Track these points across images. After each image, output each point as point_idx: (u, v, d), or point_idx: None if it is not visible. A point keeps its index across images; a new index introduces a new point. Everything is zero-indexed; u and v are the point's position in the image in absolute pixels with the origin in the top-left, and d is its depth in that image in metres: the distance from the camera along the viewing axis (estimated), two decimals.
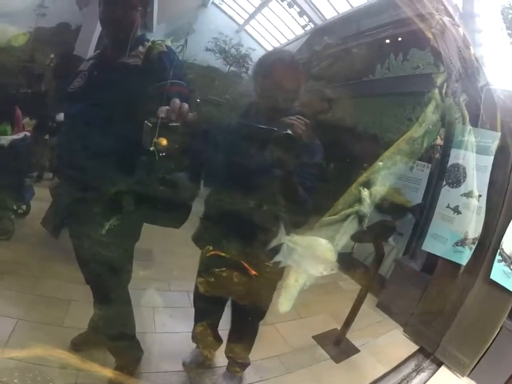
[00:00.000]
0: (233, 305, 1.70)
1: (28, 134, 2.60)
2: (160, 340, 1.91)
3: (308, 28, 5.16)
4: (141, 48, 1.40)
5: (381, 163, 1.58)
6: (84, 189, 1.42)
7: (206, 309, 1.79)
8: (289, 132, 1.18)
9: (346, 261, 3.05)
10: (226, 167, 1.45)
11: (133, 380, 1.65)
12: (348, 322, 2.15)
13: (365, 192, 1.46)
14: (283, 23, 5.35)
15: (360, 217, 1.45)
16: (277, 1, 5.30)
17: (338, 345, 2.11)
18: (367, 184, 1.54)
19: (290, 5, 5.27)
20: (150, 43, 1.41)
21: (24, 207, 2.67)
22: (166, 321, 2.03)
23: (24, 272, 2.26)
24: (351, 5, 4.98)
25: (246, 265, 1.55)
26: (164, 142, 1.18)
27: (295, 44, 5.33)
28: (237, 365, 1.78)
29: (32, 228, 2.61)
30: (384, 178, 1.57)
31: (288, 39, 5.43)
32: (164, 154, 1.17)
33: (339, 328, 2.17)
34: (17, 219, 2.61)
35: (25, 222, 2.66)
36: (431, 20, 2.18)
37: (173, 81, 1.35)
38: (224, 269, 1.60)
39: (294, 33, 5.40)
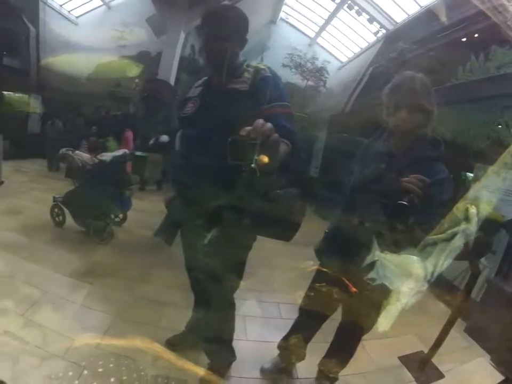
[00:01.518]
0: (340, 323, 1.70)
1: (127, 151, 2.90)
2: (249, 347, 1.98)
3: (379, 34, 5.03)
4: (246, 74, 1.50)
5: (486, 179, 1.49)
6: (191, 203, 1.57)
7: (305, 322, 1.81)
8: (404, 202, 1.21)
9: (435, 281, 2.85)
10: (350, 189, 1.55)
11: (222, 381, 1.72)
12: (435, 346, 2.01)
13: (473, 210, 1.38)
14: (354, 31, 5.28)
15: (467, 236, 1.38)
16: (345, 11, 5.26)
17: (423, 369, 2.01)
18: (474, 201, 1.46)
19: (358, 13, 5.18)
20: (253, 69, 1.50)
21: (121, 215, 2.97)
22: (256, 330, 2.12)
23: (122, 275, 2.50)
24: (419, 5, 4.73)
25: (346, 281, 1.56)
26: (265, 159, 1.24)
27: (370, 52, 5.21)
28: (327, 379, 1.77)
29: (129, 235, 2.92)
30: (490, 194, 1.47)
31: (361, 48, 5.34)
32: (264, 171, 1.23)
33: (425, 351, 2.05)
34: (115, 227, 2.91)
35: (122, 229, 2.96)
36: (505, 12, 1.99)
37: (281, 104, 1.44)
38: (324, 284, 1.64)
39: (366, 41, 5.29)
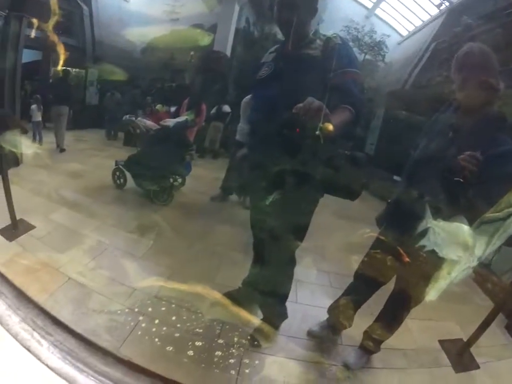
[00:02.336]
0: (392, 291, 1.72)
1: (189, 118, 2.95)
2: (298, 310, 2.04)
3: (442, 7, 4.67)
4: (318, 41, 1.57)
5: None
6: (259, 164, 1.64)
7: (358, 287, 1.84)
8: (459, 179, 1.25)
9: (482, 273, 2.75)
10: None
11: (273, 334, 1.83)
12: (474, 337, 2.00)
13: None
14: (415, 3, 4.93)
15: None
16: None
17: (460, 356, 2.01)
18: None
19: None
20: (325, 36, 1.57)
21: (180, 180, 3.04)
22: (307, 295, 2.19)
23: (182, 232, 2.67)
24: None
25: (401, 251, 1.57)
26: (330, 127, 1.28)
27: (432, 26, 4.87)
28: (372, 345, 1.79)
29: (187, 198, 3.00)
30: None
31: (423, 21, 4.99)
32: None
33: (465, 339, 2.04)
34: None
35: (181, 193, 3.05)
36: None
37: (350, 70, 1.51)
38: (380, 251, 1.67)
39: (428, 14, 4.93)
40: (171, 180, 2.99)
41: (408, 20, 5.23)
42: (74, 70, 4.87)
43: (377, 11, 5.16)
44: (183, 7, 4.49)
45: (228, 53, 4.33)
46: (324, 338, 1.91)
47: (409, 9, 5.24)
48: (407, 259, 1.57)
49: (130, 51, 4.53)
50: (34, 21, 2.73)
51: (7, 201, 2.79)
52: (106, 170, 3.37)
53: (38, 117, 4.17)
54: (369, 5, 5.08)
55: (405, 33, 5.11)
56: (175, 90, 4.14)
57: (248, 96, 2.71)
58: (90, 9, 5.01)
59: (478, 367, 1.95)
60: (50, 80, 4.95)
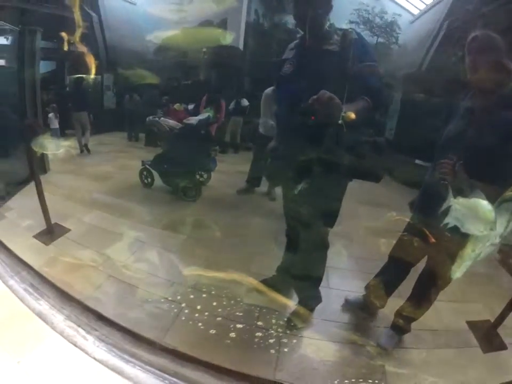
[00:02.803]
0: (422, 271, 1.78)
1: (211, 115, 3.02)
2: (331, 294, 2.13)
3: None
4: (336, 37, 1.63)
5: None
6: (288, 155, 1.75)
7: (391, 269, 1.91)
8: None
9: (507, 254, 2.75)
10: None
11: (309, 316, 1.92)
12: (501, 317, 2.03)
13: None
14: None
15: None
16: None
17: (488, 337, 2.04)
18: None
19: None
20: (341, 31, 1.63)
21: (205, 175, 3.12)
22: (337, 280, 2.26)
23: (213, 226, 2.73)
24: None
25: (427, 232, 1.64)
26: (352, 115, 1.38)
27: (444, 3, 4.77)
28: (403, 325, 1.85)
29: (214, 192, 3.08)
30: None
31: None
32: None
33: (492, 320, 2.07)
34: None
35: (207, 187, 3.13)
36: None
37: (366, 64, 1.59)
38: (406, 233, 1.75)
39: None
40: (197, 176, 3.07)
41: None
42: (91, 76, 4.99)
43: None
44: (190, 5, 4.52)
45: (241, 46, 4.36)
46: (357, 309, 2.02)
47: None
48: (432, 240, 1.63)
49: (143, 52, 4.60)
50: (64, 34, 2.81)
51: (42, 206, 2.92)
52: (132, 170, 3.49)
53: (55, 124, 4.31)
54: None
55: (416, 12, 5.02)
56: (190, 87, 4.19)
57: (269, 89, 2.76)
58: (99, 16, 5.09)
59: (505, 347, 1.98)
60: (67, 89, 5.10)
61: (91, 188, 3.39)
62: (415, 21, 5.06)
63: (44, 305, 2.28)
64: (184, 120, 3.07)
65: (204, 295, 2.05)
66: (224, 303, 1.99)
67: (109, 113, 5.11)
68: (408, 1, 5.09)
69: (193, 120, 3.03)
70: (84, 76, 4.88)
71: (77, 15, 2.69)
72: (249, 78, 4.33)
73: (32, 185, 3.67)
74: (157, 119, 3.11)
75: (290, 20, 4.78)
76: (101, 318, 2.10)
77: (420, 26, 5.01)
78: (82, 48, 2.62)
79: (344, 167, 1.66)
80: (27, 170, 4.05)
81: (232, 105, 3.71)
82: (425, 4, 5.09)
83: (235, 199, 2.95)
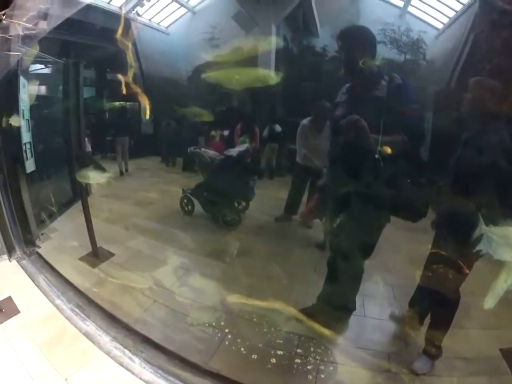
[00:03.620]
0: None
1: (249, 146, 3.19)
2: (367, 323, 2.24)
3: None
4: (383, 82, 1.82)
5: None
6: (330, 189, 2.00)
7: (420, 298, 2.04)
8: None
9: None
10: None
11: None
12: None
13: None
14: None
15: None
16: None
17: None
18: None
19: None
20: (388, 77, 1.83)
21: (244, 203, 3.27)
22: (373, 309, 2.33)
23: (252, 254, 2.90)
24: None
25: (461, 263, 1.71)
26: (389, 150, 1.52)
27: (466, 16, 4.75)
28: (433, 349, 1.92)
29: (253, 220, 3.22)
30: None
31: (456, 11, 4.88)
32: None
33: None
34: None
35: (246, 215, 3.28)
36: None
37: (409, 107, 1.78)
38: (442, 265, 1.81)
39: (460, 3, 4.81)
40: (236, 205, 3.24)
41: (441, 12, 5.14)
42: (128, 103, 5.29)
43: (409, 8, 5.11)
44: (222, 33, 4.73)
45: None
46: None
47: (439, 2, 5.15)
48: (466, 270, 1.71)
49: (177, 80, 4.83)
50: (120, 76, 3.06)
51: (88, 230, 3.14)
52: (171, 197, 3.69)
53: (89, 148, 4.59)
54: (400, 4, 5.05)
55: (440, 26, 5.02)
56: (225, 113, 4.38)
57: (305, 120, 2.89)
58: (135, 46, 5.39)
59: None
60: (107, 114, 5.43)
61: (133, 212, 3.61)
62: (440, 35, 5.07)
63: (90, 326, 2.44)
64: (225, 152, 3.26)
65: (246, 323, 2.19)
66: (265, 330, 2.13)
67: (146, 139, 5.37)
68: (431, 16, 5.11)
69: (234, 152, 3.22)
70: (126, 103, 5.21)
71: (129, 57, 2.93)
72: (283, 103, 4.46)
73: (74, 207, 3.95)
74: (198, 150, 3.31)
75: (317, 43, 4.90)
76: (146, 340, 2.26)
77: (445, 41, 5.00)
78: (136, 90, 2.82)
79: (382, 202, 1.80)
80: (69, 194, 4.36)
81: (265, 132, 3.84)
82: (448, 17, 5.10)
83: (273, 227, 3.08)
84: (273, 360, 1.95)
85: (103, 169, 3.47)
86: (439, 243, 1.79)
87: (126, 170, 4.78)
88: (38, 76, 4.28)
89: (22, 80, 3.68)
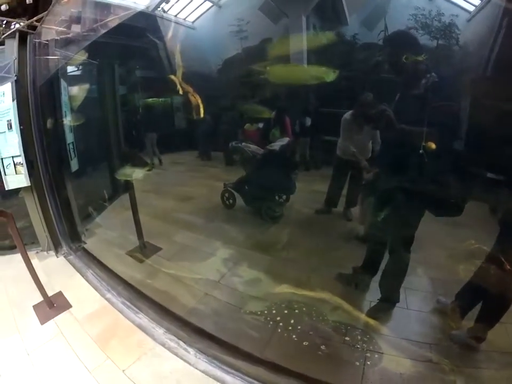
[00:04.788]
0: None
1: (289, 139, 3.24)
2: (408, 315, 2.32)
3: None
4: (424, 81, 2.00)
5: None
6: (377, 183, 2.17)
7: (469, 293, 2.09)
8: None
9: None
10: None
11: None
12: None
13: None
14: None
15: None
16: None
17: None
18: None
19: None
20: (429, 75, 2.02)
21: (284, 197, 3.35)
22: (415, 302, 2.40)
23: (295, 245, 3.00)
24: None
25: (503, 260, 1.78)
26: (433, 145, 1.60)
27: None
28: (474, 342, 2.02)
29: (294, 213, 3.30)
30: None
31: None
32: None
33: None
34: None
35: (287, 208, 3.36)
36: None
37: (445, 103, 1.96)
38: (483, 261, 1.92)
39: None
40: (277, 198, 3.32)
41: None
42: (161, 99, 5.40)
43: None
44: (249, 24, 4.73)
45: (305, 63, 4.47)
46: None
47: None
48: (509, 267, 1.77)
49: (207, 73, 4.89)
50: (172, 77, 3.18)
51: (136, 225, 3.27)
52: (211, 190, 3.80)
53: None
54: None
55: (471, 8, 4.85)
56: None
57: (347, 114, 2.91)
58: (163, 42, 5.47)
59: None
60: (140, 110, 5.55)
61: (174, 207, 3.74)
62: (472, 18, 4.91)
63: (143, 319, 2.58)
64: (267, 147, 3.32)
65: (296, 311, 2.32)
66: (314, 319, 2.25)
67: (180, 133, 5.47)
68: None
69: (276, 146, 3.28)
70: (157, 99, 5.33)
71: (178, 58, 3.03)
72: (315, 95, 4.45)
73: (115, 203, 4.11)
74: (239, 144, 3.39)
75: (347, 32, 4.85)
76: (200, 331, 2.39)
77: (478, 25, 4.86)
78: (187, 88, 2.90)
79: (425, 196, 1.92)
80: (110, 190, 4.54)
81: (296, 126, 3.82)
82: None
83: (315, 219, 3.15)
84: (323, 348, 2.05)
85: (144, 164, 3.59)
86: (503, 241, 1.83)
87: (159, 160, 4.94)
88: (76, 77, 4.44)
89: (63, 83, 3.85)
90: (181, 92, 2.93)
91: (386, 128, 2.04)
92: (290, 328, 2.23)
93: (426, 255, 2.54)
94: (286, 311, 2.34)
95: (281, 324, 2.27)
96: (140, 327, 2.49)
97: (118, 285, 2.93)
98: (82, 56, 3.71)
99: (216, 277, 2.71)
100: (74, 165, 3.90)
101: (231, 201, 3.52)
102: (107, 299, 2.80)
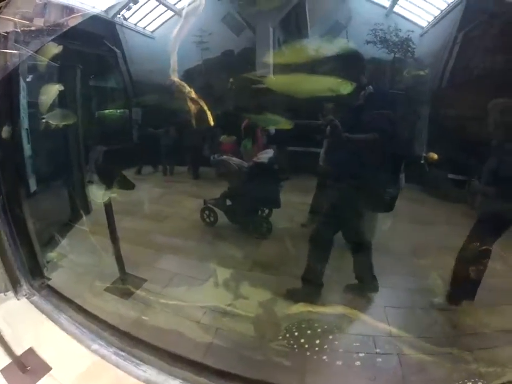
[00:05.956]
0: None
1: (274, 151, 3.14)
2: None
3: None
4: (362, 92, 2.36)
5: None
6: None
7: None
8: None
9: None
10: None
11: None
12: None
13: None
14: None
15: None
16: None
17: None
18: None
19: None
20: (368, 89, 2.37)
21: (267, 210, 3.22)
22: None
23: (289, 266, 2.90)
24: None
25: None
26: (435, 156, 1.70)
27: (453, 14, 4.95)
28: None
29: (281, 226, 3.17)
30: None
31: (440, 9, 5.07)
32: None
33: None
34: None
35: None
36: None
37: (379, 112, 2.36)
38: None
39: (445, 2, 5.01)
40: (260, 212, 3.18)
41: (425, 11, 5.32)
42: (118, 111, 5.05)
43: (396, 8, 5.25)
44: (211, 36, 4.63)
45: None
46: None
47: (426, 1, 5.32)
48: None
49: (168, 85, 4.68)
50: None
51: (116, 254, 2.85)
52: (184, 207, 3.54)
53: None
54: (387, 4, 5.17)
55: (424, 24, 5.19)
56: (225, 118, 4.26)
57: None
58: (122, 51, 5.17)
59: None
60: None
61: (152, 229, 3.43)
62: (425, 34, 5.24)
63: (149, 371, 2.06)
64: (255, 159, 3.19)
65: (319, 330, 2.19)
66: (338, 335, 2.16)
67: (138, 148, 5.13)
68: (416, 15, 5.28)
69: (264, 158, 3.16)
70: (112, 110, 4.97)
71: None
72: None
73: (77, 227, 3.67)
74: (223, 157, 3.21)
75: (310, 46, 4.94)
76: (222, 374, 1.98)
77: (432, 40, 5.18)
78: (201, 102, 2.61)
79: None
80: (72, 212, 4.08)
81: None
82: (433, 15, 5.29)
83: (302, 232, 3.05)
84: (358, 363, 1.95)
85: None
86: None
87: None
88: (36, 78, 3.88)
89: (21, 82, 3.35)
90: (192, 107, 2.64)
91: (333, 136, 2.39)
92: (317, 348, 2.11)
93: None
94: (310, 332, 2.19)
95: (306, 346, 2.12)
96: (148, 382, 2.01)
97: (104, 330, 2.39)
98: (42, 55, 3.26)
99: (221, 305, 2.41)
100: (33, 183, 3.39)
101: (212, 218, 3.32)
102: (94, 351, 2.25)
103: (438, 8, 5.15)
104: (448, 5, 4.95)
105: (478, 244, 2.17)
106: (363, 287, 2.52)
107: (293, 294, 2.52)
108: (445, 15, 4.99)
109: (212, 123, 2.58)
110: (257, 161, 3.15)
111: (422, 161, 1.66)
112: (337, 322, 2.21)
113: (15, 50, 2.91)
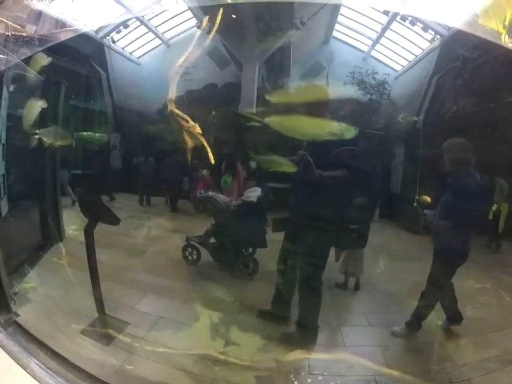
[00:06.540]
0: None
1: (261, 189, 3.12)
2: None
3: (435, 42, 5.07)
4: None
5: None
6: None
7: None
8: None
9: None
10: None
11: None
12: None
13: None
14: (406, 40, 5.36)
15: None
16: (399, 22, 5.36)
17: None
18: None
19: (413, 23, 5.29)
20: None
21: (250, 249, 3.15)
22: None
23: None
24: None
25: None
26: (428, 199, 1.81)
27: (428, 59, 5.26)
28: None
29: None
30: None
31: (415, 55, 5.41)
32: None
33: None
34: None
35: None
36: None
37: (345, 148, 2.38)
38: None
39: (420, 48, 5.36)
40: (243, 251, 3.10)
41: (401, 56, 5.65)
42: (97, 134, 4.91)
43: (373, 53, 5.56)
44: (194, 68, 4.67)
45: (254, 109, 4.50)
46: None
47: (400, 47, 5.67)
48: None
49: (148, 113, 4.63)
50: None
51: (94, 292, 2.57)
52: (164, 242, 3.40)
53: None
54: (365, 48, 5.47)
55: (399, 68, 5.51)
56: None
57: None
58: (107, 74, 5.09)
59: None
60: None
61: (129, 265, 3.24)
62: (399, 77, 5.54)
63: None
64: (243, 198, 3.15)
65: (320, 378, 2.08)
66: (344, 380, 2.07)
67: (115, 174, 4.99)
68: (392, 60, 5.59)
69: (252, 197, 3.13)
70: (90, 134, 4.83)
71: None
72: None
73: (46, 256, 3.40)
74: (209, 194, 3.14)
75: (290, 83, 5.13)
76: None
77: (407, 83, 5.48)
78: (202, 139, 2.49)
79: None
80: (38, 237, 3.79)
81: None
82: (407, 61, 5.62)
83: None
84: None
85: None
86: None
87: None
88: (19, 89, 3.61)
89: (4, 91, 3.07)
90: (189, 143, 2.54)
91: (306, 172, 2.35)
92: None
93: None
94: (310, 380, 2.10)
95: None
96: None
97: (83, 380, 1.97)
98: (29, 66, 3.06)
99: (213, 354, 2.19)
100: (4, 206, 3.07)
101: (194, 256, 3.20)
102: None
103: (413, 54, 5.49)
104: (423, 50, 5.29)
105: (438, 278, 2.28)
106: (302, 335, 2.43)
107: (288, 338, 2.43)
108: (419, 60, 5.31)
109: (212, 161, 2.37)
110: (245, 200, 3.12)
111: (415, 204, 1.72)
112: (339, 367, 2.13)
113: (2, 55, 2.70)
